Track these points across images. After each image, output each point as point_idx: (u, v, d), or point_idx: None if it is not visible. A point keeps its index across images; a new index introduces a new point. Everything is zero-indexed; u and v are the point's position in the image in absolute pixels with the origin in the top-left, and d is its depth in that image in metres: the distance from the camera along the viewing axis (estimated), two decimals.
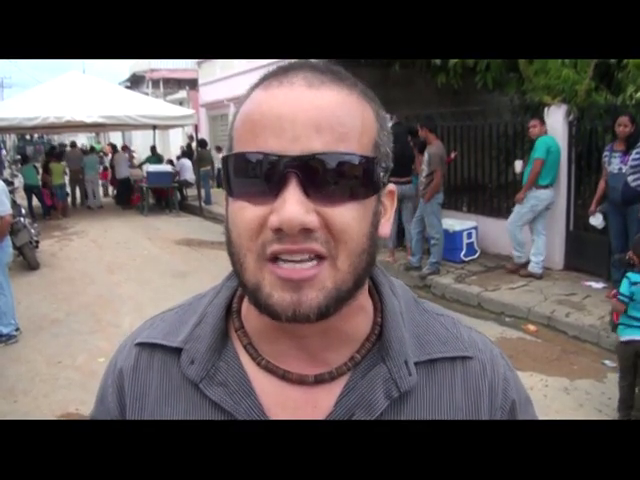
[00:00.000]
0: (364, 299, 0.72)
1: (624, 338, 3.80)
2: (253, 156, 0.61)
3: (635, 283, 3.73)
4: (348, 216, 0.61)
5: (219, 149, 17.65)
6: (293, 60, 0.67)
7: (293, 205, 0.58)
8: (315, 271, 0.60)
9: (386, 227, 0.68)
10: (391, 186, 0.70)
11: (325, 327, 0.66)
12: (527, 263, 6.88)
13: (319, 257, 0.61)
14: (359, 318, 0.71)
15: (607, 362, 4.86)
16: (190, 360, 0.71)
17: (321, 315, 0.62)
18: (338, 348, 0.70)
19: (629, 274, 3.82)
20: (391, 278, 0.78)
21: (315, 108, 0.61)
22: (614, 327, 4.04)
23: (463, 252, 7.67)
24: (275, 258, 0.61)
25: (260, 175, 0.61)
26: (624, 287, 3.76)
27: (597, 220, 6.17)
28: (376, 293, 0.75)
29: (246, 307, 0.73)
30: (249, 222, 0.61)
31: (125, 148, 17.61)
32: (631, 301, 3.72)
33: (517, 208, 6.78)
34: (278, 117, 0.60)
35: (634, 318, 3.74)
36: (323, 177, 0.60)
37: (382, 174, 0.65)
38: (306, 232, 0.59)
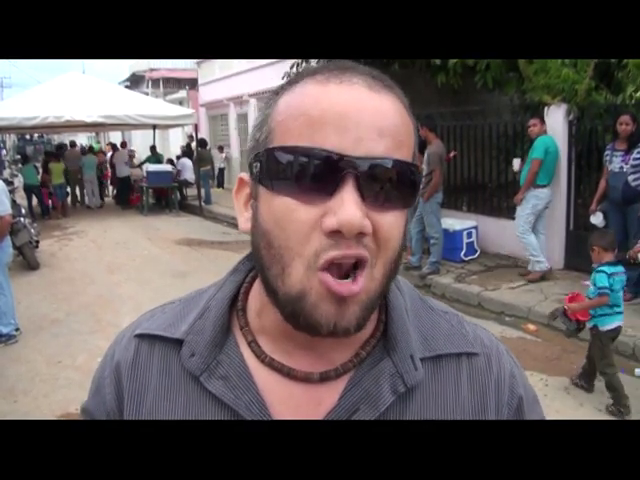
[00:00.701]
0: None
1: (609, 326, 4.05)
2: (311, 151, 0.58)
3: (612, 274, 3.98)
4: (394, 224, 0.61)
5: (221, 148, 17.64)
6: (338, 60, 0.66)
7: (353, 207, 0.57)
8: (361, 286, 0.60)
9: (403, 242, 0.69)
10: None
11: None
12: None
13: (360, 264, 0.60)
14: None
15: None
16: (191, 352, 0.70)
17: (359, 328, 0.62)
18: (345, 346, 0.69)
19: (604, 267, 4.03)
20: (396, 277, 0.78)
21: (378, 112, 0.60)
22: (577, 330, 4.21)
23: (463, 252, 7.67)
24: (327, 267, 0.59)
25: (316, 172, 0.58)
26: (603, 280, 3.96)
27: (597, 219, 6.16)
28: None
29: (258, 303, 0.71)
30: (302, 224, 0.59)
31: (124, 145, 17.56)
32: (611, 292, 3.96)
33: (519, 212, 6.71)
34: (342, 116, 0.59)
35: (615, 305, 4.03)
36: (380, 182, 0.59)
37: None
38: (359, 237, 0.58)
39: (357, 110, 0.59)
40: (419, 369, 0.69)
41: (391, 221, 0.61)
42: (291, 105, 0.62)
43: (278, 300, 0.63)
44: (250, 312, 0.73)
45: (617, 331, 4.12)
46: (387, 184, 0.60)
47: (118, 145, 17.50)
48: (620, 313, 4.09)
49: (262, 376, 0.69)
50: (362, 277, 0.60)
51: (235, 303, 0.74)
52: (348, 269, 0.60)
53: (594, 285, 4.05)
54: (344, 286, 0.59)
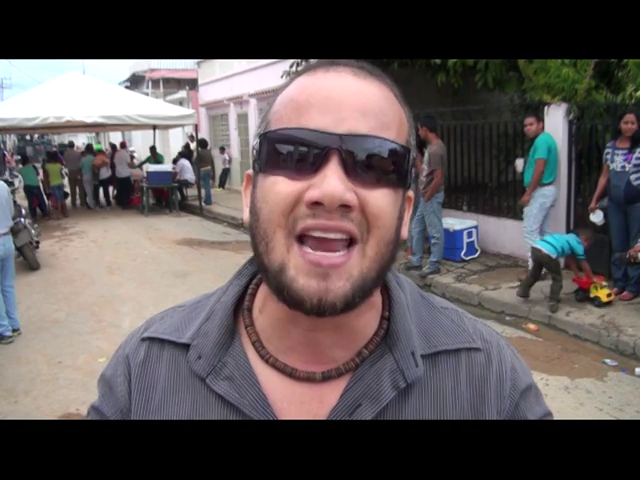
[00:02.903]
0: (376, 295, 0.72)
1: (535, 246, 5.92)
2: (296, 132, 0.61)
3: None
4: (383, 201, 0.62)
5: (222, 149, 17.63)
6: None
7: (335, 180, 0.59)
8: (345, 258, 0.60)
9: (404, 230, 0.69)
10: (410, 192, 0.71)
11: (339, 323, 0.66)
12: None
13: (350, 240, 0.61)
14: (370, 314, 0.71)
15: (608, 361, 4.87)
16: (197, 355, 0.72)
17: (347, 305, 0.61)
18: (347, 344, 0.70)
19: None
20: (397, 273, 0.78)
21: (362, 94, 0.62)
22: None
23: (463, 251, 7.67)
24: (304, 238, 0.60)
25: (301, 151, 0.61)
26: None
27: (597, 217, 6.16)
28: (384, 288, 0.75)
29: (259, 302, 0.73)
30: (284, 196, 0.61)
31: (124, 145, 17.55)
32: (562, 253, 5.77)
33: (527, 212, 6.68)
34: (325, 97, 0.61)
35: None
36: (364, 159, 0.61)
37: (411, 174, 0.66)
38: (343, 210, 0.59)
39: (340, 92, 0.62)
40: (420, 365, 0.70)
41: (379, 197, 0.62)
42: (284, 96, 0.66)
43: (268, 278, 0.64)
44: (255, 310, 0.74)
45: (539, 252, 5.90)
46: (372, 162, 0.61)
47: (118, 146, 17.48)
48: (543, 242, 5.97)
49: (266, 376, 0.70)
50: (349, 253, 0.60)
51: (241, 304, 0.76)
52: (338, 246, 0.60)
53: None
54: (325, 257, 0.59)
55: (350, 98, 0.61)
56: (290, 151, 0.61)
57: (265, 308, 0.72)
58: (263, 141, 0.64)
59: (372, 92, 0.63)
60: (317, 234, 0.60)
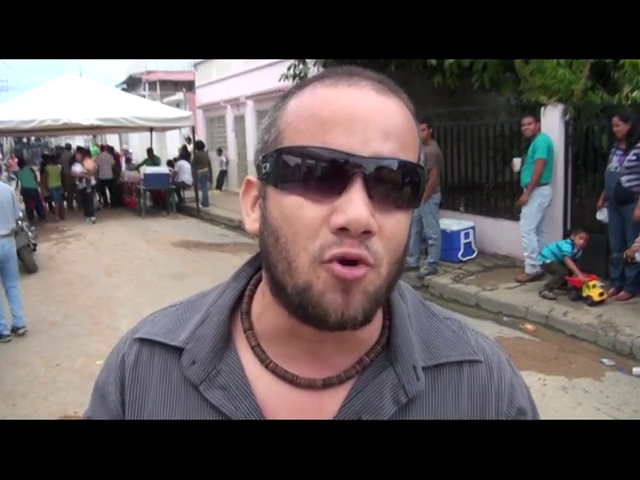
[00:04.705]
0: None
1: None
2: (321, 151, 0.60)
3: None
4: (398, 225, 0.62)
5: (220, 151, 17.62)
6: (347, 66, 0.67)
7: (361, 205, 0.58)
8: (364, 271, 0.60)
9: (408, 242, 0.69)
10: None
11: (343, 333, 0.64)
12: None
13: (366, 265, 0.60)
14: (372, 323, 0.69)
15: (605, 361, 4.87)
16: (191, 361, 0.70)
17: (366, 318, 0.61)
18: (348, 352, 0.69)
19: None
20: (399, 282, 0.76)
21: (385, 115, 0.61)
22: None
23: (461, 252, 7.67)
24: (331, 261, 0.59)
25: (325, 172, 0.59)
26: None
27: (603, 215, 6.16)
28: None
29: (261, 307, 0.71)
30: (310, 220, 0.60)
31: (103, 148, 17.48)
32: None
33: (526, 211, 6.69)
34: (352, 117, 0.60)
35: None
36: (387, 182, 0.60)
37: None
38: (365, 236, 0.59)
39: (366, 112, 0.60)
40: (421, 379, 0.69)
41: (395, 222, 0.62)
42: (301, 107, 0.63)
43: (287, 295, 0.62)
44: (253, 315, 0.73)
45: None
46: (393, 185, 0.61)
47: (117, 149, 17.43)
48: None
49: (264, 383, 0.69)
50: (364, 267, 0.60)
51: (238, 308, 0.74)
52: (352, 262, 0.60)
53: None
54: (348, 269, 0.59)
55: (374, 118, 0.60)
56: (313, 169, 0.60)
57: (264, 317, 0.70)
58: (281, 155, 0.62)
59: (394, 112, 0.62)
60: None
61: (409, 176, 0.62)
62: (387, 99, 0.63)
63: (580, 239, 6.08)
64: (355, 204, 0.58)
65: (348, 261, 0.59)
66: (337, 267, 0.59)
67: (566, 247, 6.11)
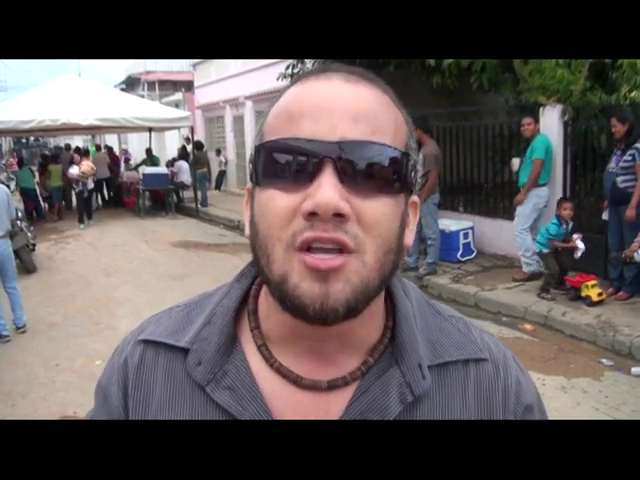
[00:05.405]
0: (379, 304, 0.70)
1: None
2: (288, 142, 0.60)
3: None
4: (379, 210, 0.61)
5: (219, 152, 17.62)
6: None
7: (329, 189, 0.58)
8: (342, 260, 0.59)
9: (410, 237, 0.68)
10: (415, 197, 0.69)
11: (342, 331, 0.65)
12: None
13: (346, 250, 0.59)
14: (373, 321, 0.70)
15: (604, 361, 4.87)
16: (197, 361, 0.69)
17: (349, 310, 0.60)
18: (352, 351, 0.69)
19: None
20: (403, 280, 0.76)
21: (352, 100, 0.61)
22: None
23: (460, 252, 7.67)
24: (305, 248, 0.59)
25: (294, 162, 0.60)
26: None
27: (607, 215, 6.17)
28: (388, 296, 0.73)
29: (265, 307, 0.71)
30: (281, 210, 0.60)
31: (99, 147, 17.49)
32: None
33: (520, 211, 6.71)
34: (315, 105, 0.61)
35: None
36: (358, 165, 0.60)
37: (413, 178, 0.65)
38: (338, 219, 0.58)
39: (332, 99, 0.61)
40: (427, 378, 0.69)
41: (375, 207, 0.61)
42: (276, 107, 0.65)
43: (271, 290, 0.63)
44: (260, 315, 0.72)
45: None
46: (367, 168, 0.60)
47: (115, 148, 17.44)
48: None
49: (270, 383, 0.68)
50: (345, 256, 0.59)
51: (243, 307, 0.73)
52: (332, 253, 0.59)
53: None
54: (322, 260, 0.58)
55: (341, 104, 0.60)
56: (284, 162, 0.61)
57: (270, 316, 0.70)
58: (258, 154, 0.64)
59: (363, 96, 0.62)
60: (315, 245, 0.59)
61: (385, 158, 0.61)
62: (357, 85, 0.63)
63: (564, 210, 6.02)
64: (323, 189, 0.58)
65: (325, 250, 0.59)
66: (308, 258, 0.59)
67: (552, 227, 6.07)
